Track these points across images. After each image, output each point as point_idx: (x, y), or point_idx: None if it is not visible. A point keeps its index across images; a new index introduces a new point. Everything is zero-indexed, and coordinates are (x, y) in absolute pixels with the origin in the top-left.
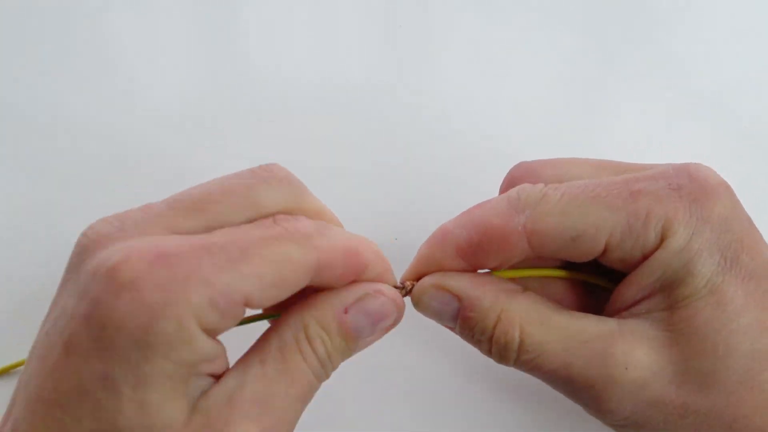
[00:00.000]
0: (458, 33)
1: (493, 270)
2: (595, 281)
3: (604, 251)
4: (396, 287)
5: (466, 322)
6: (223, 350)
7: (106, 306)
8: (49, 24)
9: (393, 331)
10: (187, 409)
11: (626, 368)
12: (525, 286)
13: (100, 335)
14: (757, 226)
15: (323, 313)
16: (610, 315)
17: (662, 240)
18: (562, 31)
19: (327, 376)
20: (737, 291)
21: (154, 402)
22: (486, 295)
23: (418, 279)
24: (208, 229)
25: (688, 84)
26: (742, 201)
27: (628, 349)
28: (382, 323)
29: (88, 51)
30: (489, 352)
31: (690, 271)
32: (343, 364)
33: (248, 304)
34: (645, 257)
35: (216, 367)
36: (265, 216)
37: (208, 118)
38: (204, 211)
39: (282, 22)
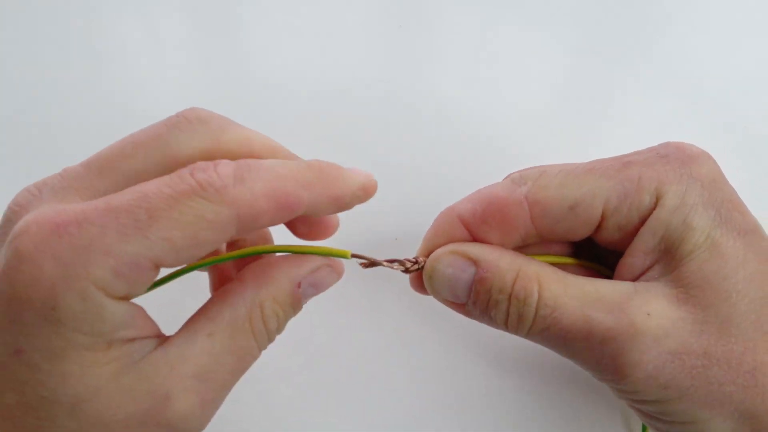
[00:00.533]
0: (458, 33)
1: None
2: (598, 268)
3: (602, 221)
4: (404, 261)
5: (483, 284)
6: (142, 314)
7: (9, 280)
8: (50, 24)
9: (392, 332)
10: (116, 372)
11: (648, 314)
12: None
13: (8, 310)
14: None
15: (280, 290)
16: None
17: (657, 200)
18: (563, 31)
19: (269, 343)
20: (736, 243)
21: (74, 372)
22: (503, 256)
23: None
24: (123, 187)
25: (689, 84)
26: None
27: (646, 302)
28: (324, 290)
29: (88, 51)
30: (506, 314)
31: (689, 226)
32: (342, 364)
33: (160, 266)
34: (642, 221)
35: (143, 330)
36: (183, 165)
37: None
38: (116, 169)
39: (282, 22)
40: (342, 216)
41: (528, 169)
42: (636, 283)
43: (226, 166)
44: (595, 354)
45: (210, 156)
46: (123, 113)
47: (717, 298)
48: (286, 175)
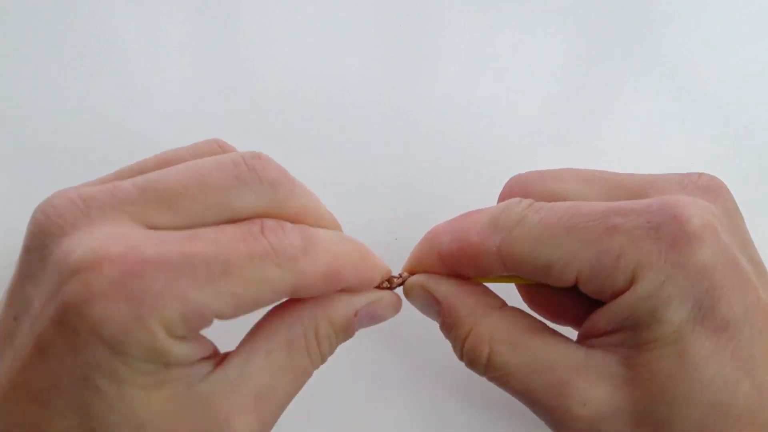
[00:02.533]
0: (459, 34)
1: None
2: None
3: (576, 282)
4: (392, 278)
5: (444, 325)
6: (200, 339)
7: (77, 312)
8: (49, 24)
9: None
10: (176, 394)
11: (584, 405)
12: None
13: (75, 341)
14: (756, 226)
15: (337, 316)
16: (587, 334)
17: (632, 283)
18: (564, 31)
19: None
20: (705, 342)
21: (136, 398)
22: (464, 305)
23: (413, 273)
24: (181, 227)
25: (689, 84)
26: (740, 201)
27: (589, 386)
28: (379, 321)
29: (88, 51)
30: (461, 359)
31: (657, 318)
32: (341, 364)
33: (221, 318)
34: (615, 296)
35: (200, 353)
36: (246, 218)
37: (209, 119)
38: (177, 207)
39: (282, 22)
40: (343, 216)
41: (511, 207)
42: (590, 352)
43: (294, 234)
44: (538, 415)
45: (267, 213)
46: (123, 113)
47: (664, 398)
48: (340, 255)
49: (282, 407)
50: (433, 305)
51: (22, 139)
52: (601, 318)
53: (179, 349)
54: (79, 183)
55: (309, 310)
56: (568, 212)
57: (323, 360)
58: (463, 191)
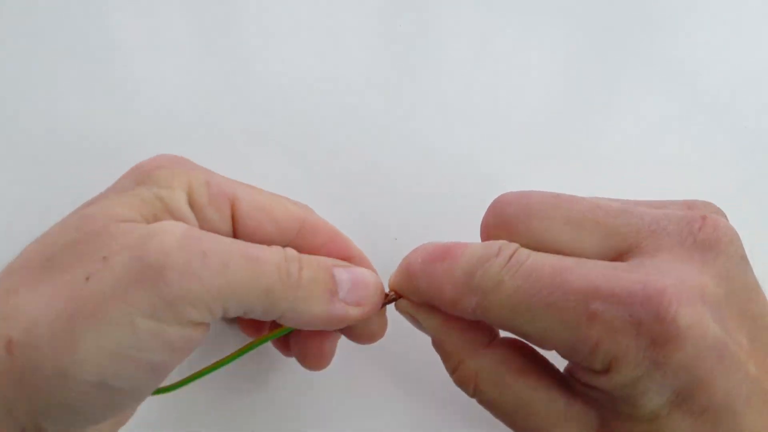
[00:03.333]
0: (459, 33)
1: None
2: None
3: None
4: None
5: (434, 347)
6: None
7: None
8: (49, 24)
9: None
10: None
11: None
12: None
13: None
14: (756, 226)
15: (315, 258)
16: (571, 371)
17: (608, 371)
18: (564, 31)
19: (290, 277)
20: (682, 424)
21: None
22: (450, 342)
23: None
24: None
25: (689, 85)
26: (740, 203)
27: None
28: (359, 292)
29: (87, 51)
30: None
31: (633, 403)
32: (342, 364)
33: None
34: (591, 375)
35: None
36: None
37: (209, 119)
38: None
39: (282, 22)
40: (343, 216)
41: (489, 264)
42: (570, 402)
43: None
44: None
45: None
46: (122, 113)
47: None
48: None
49: (221, 245)
50: (422, 330)
51: (22, 138)
52: (582, 375)
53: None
54: (79, 182)
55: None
56: (549, 285)
57: (289, 263)
58: (462, 191)
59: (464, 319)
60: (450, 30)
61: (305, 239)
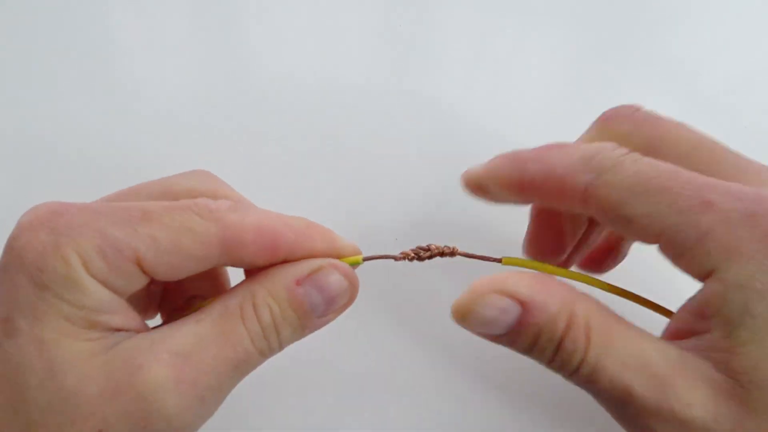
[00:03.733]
0: (458, 33)
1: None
2: (645, 305)
3: (657, 243)
4: (421, 250)
5: (528, 329)
6: (127, 307)
7: (8, 248)
8: (49, 24)
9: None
10: (92, 353)
11: (689, 405)
12: None
13: (4, 276)
14: None
15: (274, 284)
16: (673, 334)
17: (720, 266)
18: (563, 31)
19: (271, 351)
20: None
21: (51, 339)
22: (554, 297)
23: (478, 188)
24: None
25: (689, 85)
26: None
27: (690, 387)
28: (336, 302)
29: (87, 51)
30: (549, 361)
31: (750, 312)
32: (340, 363)
33: (141, 264)
34: (701, 276)
35: (126, 322)
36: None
37: (209, 119)
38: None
39: (282, 22)
40: (342, 216)
41: (607, 149)
42: (684, 353)
43: (224, 202)
44: (625, 418)
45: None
46: (123, 114)
47: (765, 409)
48: (276, 218)
49: (212, 376)
50: (510, 312)
51: (22, 138)
52: (688, 314)
53: (98, 292)
54: (79, 181)
55: (246, 283)
56: (666, 173)
57: (265, 332)
58: (462, 191)
59: (551, 277)
60: (450, 28)
61: (242, 254)
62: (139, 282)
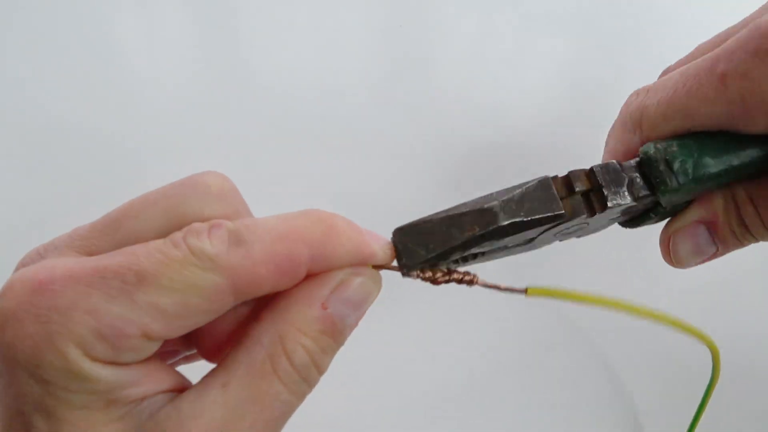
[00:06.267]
0: (458, 34)
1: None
2: (683, 330)
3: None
4: (458, 273)
5: (736, 229)
6: (147, 370)
7: None
8: (49, 24)
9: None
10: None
11: None
12: None
13: (2, 369)
14: None
15: (301, 317)
16: None
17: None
18: (563, 31)
19: (312, 386)
20: None
21: None
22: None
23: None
24: (118, 247)
25: None
26: None
27: None
28: (365, 305)
29: (87, 51)
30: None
31: None
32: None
33: (150, 337)
34: None
35: (151, 387)
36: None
37: (209, 118)
38: (119, 228)
39: (282, 22)
40: (343, 214)
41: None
42: None
43: (220, 230)
44: None
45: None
46: (122, 114)
47: None
48: (287, 235)
49: None
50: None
51: (22, 137)
52: None
53: (108, 374)
54: (78, 182)
55: (269, 324)
56: (680, 81)
57: (306, 378)
58: (463, 190)
59: None
60: (451, 29)
61: (260, 290)
62: (152, 348)
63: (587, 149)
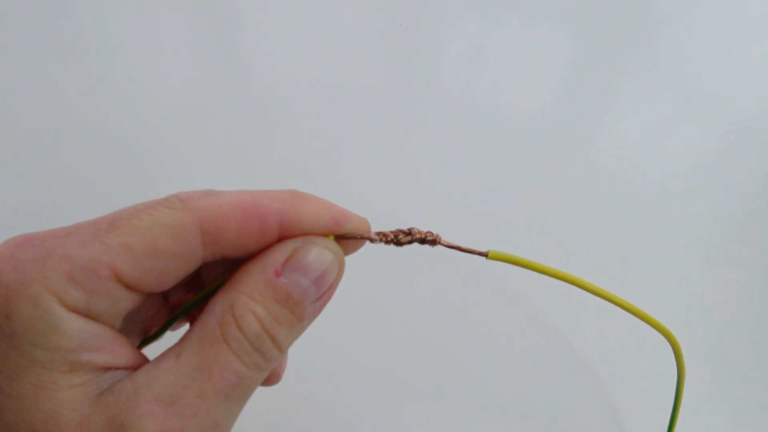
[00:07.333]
0: (459, 34)
1: None
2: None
3: None
4: (401, 233)
5: None
6: (115, 339)
7: None
8: (50, 24)
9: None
10: (81, 402)
11: None
12: None
13: None
14: (755, 225)
15: (251, 283)
16: None
17: None
18: (563, 31)
19: (269, 360)
20: None
21: (29, 394)
22: None
23: None
24: None
25: (689, 85)
26: (740, 201)
27: None
28: (326, 278)
29: (87, 51)
30: None
31: None
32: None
33: (121, 279)
34: None
35: (115, 358)
36: None
37: (209, 118)
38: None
39: (282, 22)
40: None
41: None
42: None
43: (198, 190)
44: None
45: None
46: (122, 113)
47: None
48: (260, 192)
49: (204, 416)
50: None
51: (22, 137)
52: None
53: (79, 327)
54: (78, 182)
55: (224, 292)
56: None
57: (258, 348)
58: (463, 190)
59: None
60: (451, 28)
61: (228, 240)
62: (127, 300)
63: (587, 149)
